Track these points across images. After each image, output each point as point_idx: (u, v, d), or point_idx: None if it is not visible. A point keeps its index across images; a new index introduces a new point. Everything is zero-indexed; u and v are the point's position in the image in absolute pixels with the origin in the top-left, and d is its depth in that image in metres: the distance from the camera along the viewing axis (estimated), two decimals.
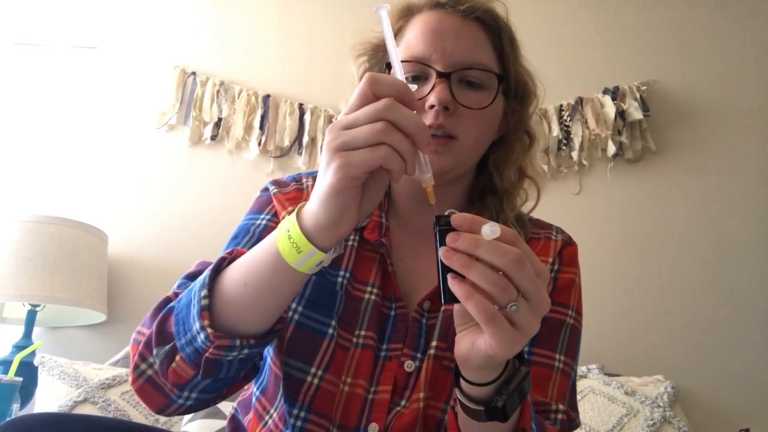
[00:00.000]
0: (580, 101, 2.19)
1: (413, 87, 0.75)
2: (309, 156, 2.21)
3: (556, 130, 2.17)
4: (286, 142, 2.20)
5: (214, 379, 0.65)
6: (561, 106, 2.20)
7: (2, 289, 1.70)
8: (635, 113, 2.15)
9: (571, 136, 2.17)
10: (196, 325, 0.61)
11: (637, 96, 2.17)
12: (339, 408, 0.75)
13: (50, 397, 1.59)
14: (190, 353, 0.62)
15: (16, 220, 1.79)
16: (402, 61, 0.76)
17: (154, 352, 0.64)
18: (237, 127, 2.21)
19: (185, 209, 2.15)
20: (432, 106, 0.76)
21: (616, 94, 2.18)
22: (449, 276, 0.51)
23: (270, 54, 2.30)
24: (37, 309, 1.84)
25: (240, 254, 0.65)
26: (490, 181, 0.86)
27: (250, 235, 0.83)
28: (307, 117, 2.21)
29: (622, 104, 2.16)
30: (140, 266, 2.09)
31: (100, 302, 1.86)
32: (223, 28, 2.34)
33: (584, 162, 2.15)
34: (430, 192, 0.56)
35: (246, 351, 0.63)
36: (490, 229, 0.50)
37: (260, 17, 2.34)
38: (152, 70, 2.28)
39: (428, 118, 0.76)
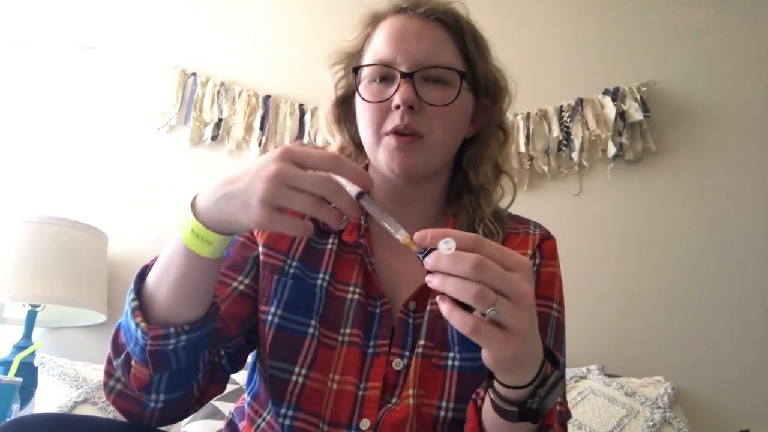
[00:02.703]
0: (580, 102, 2.19)
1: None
2: None
3: (556, 131, 2.17)
4: (287, 143, 2.20)
5: (169, 372, 0.68)
6: (561, 106, 2.20)
7: (2, 289, 1.70)
8: (635, 114, 2.15)
9: (572, 136, 2.17)
10: (133, 325, 0.65)
11: (637, 97, 2.17)
12: (328, 405, 0.76)
13: (50, 398, 1.59)
14: (138, 353, 0.66)
15: (16, 220, 1.79)
16: (369, 65, 0.82)
17: (115, 365, 0.69)
18: (237, 127, 2.21)
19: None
20: (398, 106, 0.78)
21: (616, 94, 2.18)
22: (437, 297, 0.52)
23: (270, 54, 2.30)
24: (37, 309, 1.84)
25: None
26: (467, 179, 0.88)
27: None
28: (308, 118, 2.21)
29: (623, 105, 2.16)
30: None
31: (100, 302, 1.86)
32: (223, 28, 2.34)
33: (584, 163, 2.15)
34: (409, 244, 0.55)
35: (184, 337, 0.66)
36: (446, 245, 0.51)
37: (260, 17, 2.34)
38: (152, 70, 2.28)
39: (395, 118, 0.79)
